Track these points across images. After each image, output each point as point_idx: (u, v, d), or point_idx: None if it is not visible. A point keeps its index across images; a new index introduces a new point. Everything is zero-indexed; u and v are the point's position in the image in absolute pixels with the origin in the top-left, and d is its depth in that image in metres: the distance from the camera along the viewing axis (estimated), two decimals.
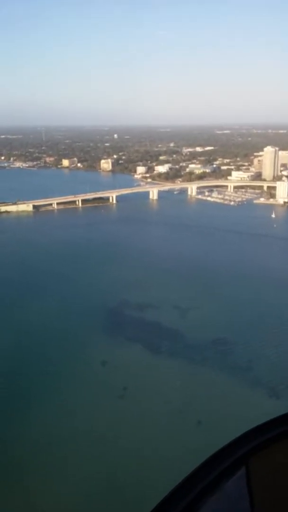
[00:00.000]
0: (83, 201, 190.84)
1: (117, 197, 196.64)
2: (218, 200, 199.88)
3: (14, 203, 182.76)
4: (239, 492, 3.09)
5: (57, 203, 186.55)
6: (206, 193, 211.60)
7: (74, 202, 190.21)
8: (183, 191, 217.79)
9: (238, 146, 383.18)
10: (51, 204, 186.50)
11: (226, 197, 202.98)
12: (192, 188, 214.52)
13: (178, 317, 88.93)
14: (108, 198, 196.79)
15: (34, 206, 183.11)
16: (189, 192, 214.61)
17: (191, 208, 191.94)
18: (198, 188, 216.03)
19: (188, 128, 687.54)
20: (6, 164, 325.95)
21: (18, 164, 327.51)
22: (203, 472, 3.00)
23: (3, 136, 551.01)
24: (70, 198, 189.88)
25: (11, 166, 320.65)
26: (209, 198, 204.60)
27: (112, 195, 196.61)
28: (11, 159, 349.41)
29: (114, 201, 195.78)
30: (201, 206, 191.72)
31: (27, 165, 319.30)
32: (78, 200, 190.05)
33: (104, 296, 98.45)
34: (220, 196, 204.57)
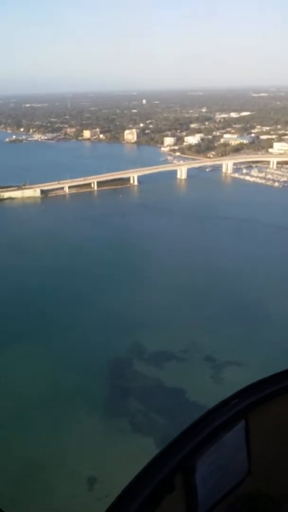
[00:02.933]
0: (100, 183, 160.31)
1: (139, 177, 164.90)
2: (258, 180, 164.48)
3: (20, 188, 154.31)
4: (237, 444, 3.15)
5: (69, 187, 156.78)
6: (244, 171, 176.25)
7: (88, 184, 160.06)
8: (217, 168, 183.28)
9: (277, 111, 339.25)
10: (62, 188, 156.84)
11: (268, 176, 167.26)
12: (227, 165, 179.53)
13: (212, 382, 59.31)
14: (128, 179, 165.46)
15: (42, 191, 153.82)
16: (223, 170, 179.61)
17: (226, 192, 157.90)
18: (234, 164, 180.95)
19: (221, 91, 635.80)
20: (24, 137, 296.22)
21: (36, 136, 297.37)
22: (204, 423, 3.04)
23: (28, 105, 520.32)
24: (83, 180, 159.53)
25: (29, 139, 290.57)
26: (247, 177, 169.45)
27: (133, 176, 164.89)
28: (30, 130, 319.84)
29: (135, 183, 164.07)
30: (238, 189, 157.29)
31: (46, 138, 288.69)
32: (93, 183, 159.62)
33: (108, 336, 69.59)
34: (261, 175, 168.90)
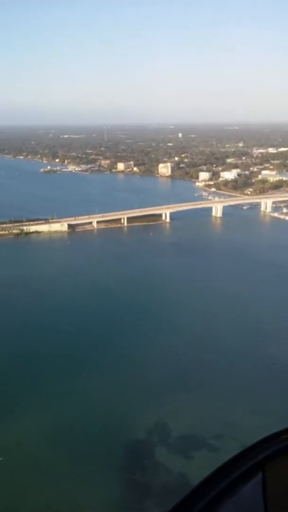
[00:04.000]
0: (130, 218, 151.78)
1: (171, 214, 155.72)
2: None
3: (47, 221, 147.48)
4: (255, 497, 3.09)
5: (98, 222, 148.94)
6: (284, 210, 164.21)
7: (118, 220, 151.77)
8: (255, 206, 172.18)
9: None
10: (90, 223, 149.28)
11: None
12: (266, 203, 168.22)
13: None
14: (160, 215, 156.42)
15: (70, 225, 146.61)
16: (262, 208, 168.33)
17: (266, 233, 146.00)
18: (274, 202, 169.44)
19: (258, 126, 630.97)
20: (58, 168, 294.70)
21: (71, 167, 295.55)
22: (221, 475, 3.00)
23: (66, 136, 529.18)
24: (113, 215, 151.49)
25: (63, 170, 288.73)
26: None
27: (166, 212, 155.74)
28: (66, 161, 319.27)
29: (168, 219, 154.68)
30: (279, 230, 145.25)
31: (80, 169, 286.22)
32: (123, 218, 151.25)
33: (127, 405, 58.52)
34: None
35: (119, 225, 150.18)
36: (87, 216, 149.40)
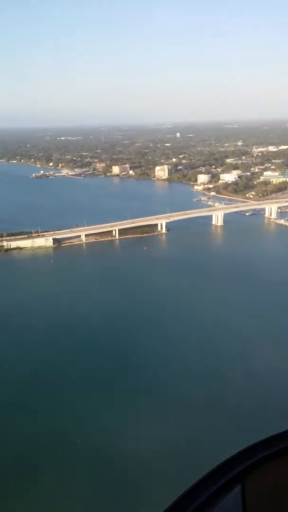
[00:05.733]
0: (123, 229, 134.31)
1: (167, 223, 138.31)
2: None
3: (30, 236, 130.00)
4: (234, 510, 3.04)
5: (86, 235, 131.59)
6: None
7: (109, 232, 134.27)
8: (258, 212, 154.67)
9: None
10: (78, 236, 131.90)
11: None
12: (270, 209, 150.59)
13: None
14: (155, 225, 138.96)
15: (55, 240, 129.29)
16: (266, 214, 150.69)
17: (274, 243, 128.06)
18: (279, 208, 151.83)
19: (256, 123, 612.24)
20: (51, 172, 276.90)
21: (64, 171, 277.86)
22: (200, 488, 2.92)
23: (63, 138, 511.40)
24: (103, 227, 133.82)
25: (56, 174, 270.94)
26: None
27: (161, 222, 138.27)
28: (59, 165, 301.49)
29: (164, 230, 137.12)
30: (286, 239, 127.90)
31: (73, 173, 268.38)
32: (115, 230, 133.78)
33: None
34: None
35: (110, 238, 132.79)
36: (75, 229, 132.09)
